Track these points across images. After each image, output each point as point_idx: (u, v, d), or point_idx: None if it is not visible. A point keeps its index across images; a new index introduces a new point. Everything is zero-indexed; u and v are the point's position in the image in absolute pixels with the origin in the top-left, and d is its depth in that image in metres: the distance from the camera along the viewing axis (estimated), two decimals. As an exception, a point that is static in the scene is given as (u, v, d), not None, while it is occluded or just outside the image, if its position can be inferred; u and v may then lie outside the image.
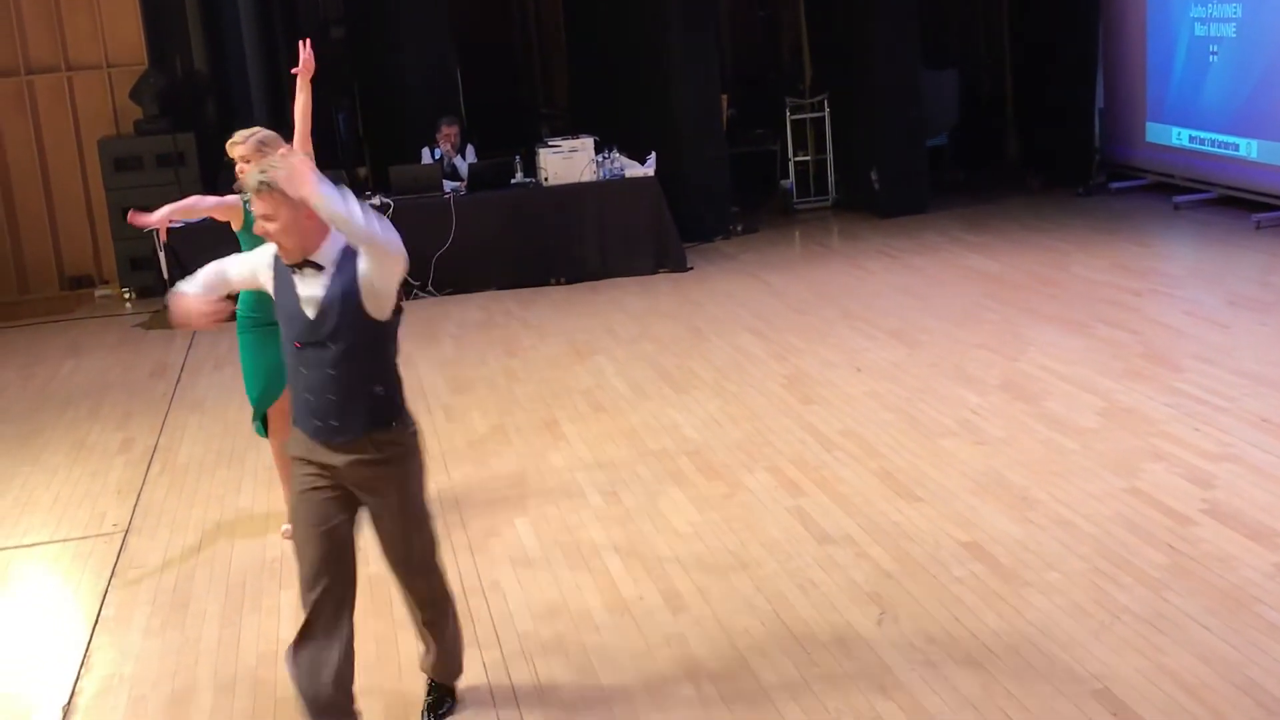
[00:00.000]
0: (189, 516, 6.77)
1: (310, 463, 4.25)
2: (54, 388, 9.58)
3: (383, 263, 4.01)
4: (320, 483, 4.24)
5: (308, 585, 4.25)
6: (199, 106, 13.03)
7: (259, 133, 5.97)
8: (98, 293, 12.82)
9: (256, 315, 6.07)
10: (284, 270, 4.17)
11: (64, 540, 6.61)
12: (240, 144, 5.89)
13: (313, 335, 4.14)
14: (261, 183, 4.02)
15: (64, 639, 5.50)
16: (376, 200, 11.05)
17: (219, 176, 12.20)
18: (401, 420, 4.28)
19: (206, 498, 7.01)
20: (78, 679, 5.11)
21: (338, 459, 4.21)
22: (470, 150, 12.24)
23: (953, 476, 6.32)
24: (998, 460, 6.46)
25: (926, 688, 4.44)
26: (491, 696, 4.66)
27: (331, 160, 12.81)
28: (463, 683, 4.73)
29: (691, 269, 11.71)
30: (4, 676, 5.29)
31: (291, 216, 4.02)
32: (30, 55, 12.83)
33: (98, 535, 6.63)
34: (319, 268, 4.10)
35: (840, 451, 6.81)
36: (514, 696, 4.65)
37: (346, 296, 4.07)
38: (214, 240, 6.62)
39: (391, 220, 4.06)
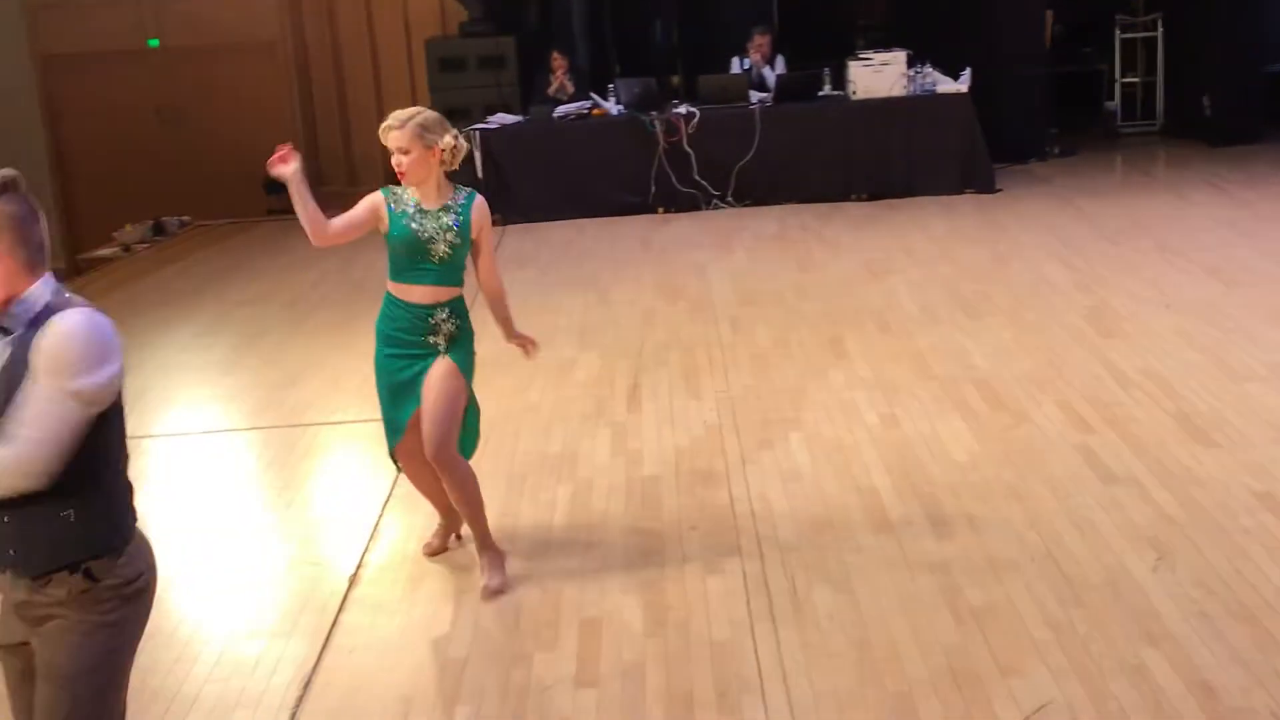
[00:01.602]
0: (482, 408, 7.03)
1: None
2: (370, 278, 10.03)
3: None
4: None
5: None
6: (521, 10, 13.37)
7: (420, 114, 4.79)
8: (418, 189, 13.38)
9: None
10: None
11: (367, 421, 6.98)
12: (396, 129, 4.72)
13: None
14: None
15: (358, 512, 5.84)
16: (683, 109, 11.12)
17: (534, 80, 12.53)
18: (103, 568, 3.01)
19: (498, 392, 7.23)
20: (365, 551, 5.43)
21: (23, 606, 3.06)
22: (780, 61, 12.14)
23: (1255, 424, 5.96)
24: (1308, 410, 6.07)
25: (1196, 639, 4.24)
26: (748, 608, 4.69)
27: (645, 68, 12.97)
28: (720, 589, 4.79)
29: (1000, 191, 11.37)
30: (302, 541, 5.69)
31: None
32: (367, -43, 13.45)
33: (397, 418, 6.98)
34: (6, 332, 2.97)
35: (1137, 390, 6.52)
36: (770, 610, 4.66)
37: (10, 378, 2.92)
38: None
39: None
